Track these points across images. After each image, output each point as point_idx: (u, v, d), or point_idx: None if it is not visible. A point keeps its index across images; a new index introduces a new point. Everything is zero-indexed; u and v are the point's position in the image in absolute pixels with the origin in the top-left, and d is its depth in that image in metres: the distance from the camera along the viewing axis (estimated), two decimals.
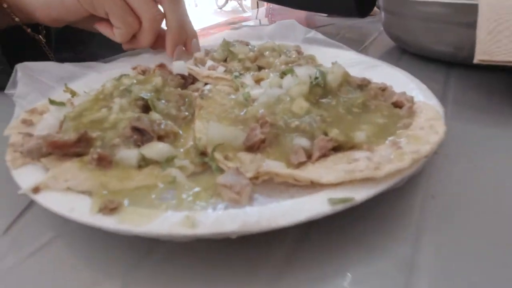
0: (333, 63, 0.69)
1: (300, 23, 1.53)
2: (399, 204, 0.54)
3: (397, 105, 0.67)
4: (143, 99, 0.64)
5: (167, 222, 0.40)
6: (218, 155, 0.53)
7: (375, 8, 1.95)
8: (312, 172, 0.48)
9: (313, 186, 0.47)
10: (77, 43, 1.29)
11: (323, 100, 0.63)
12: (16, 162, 0.52)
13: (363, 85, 0.67)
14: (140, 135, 0.56)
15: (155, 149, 0.54)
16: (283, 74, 0.80)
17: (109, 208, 0.42)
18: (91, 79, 0.88)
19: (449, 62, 1.10)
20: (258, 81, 0.78)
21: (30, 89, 0.78)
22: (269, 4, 2.70)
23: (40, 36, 1.08)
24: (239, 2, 11.00)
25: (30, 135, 0.59)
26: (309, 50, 1.15)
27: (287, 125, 0.58)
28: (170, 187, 0.49)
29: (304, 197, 0.44)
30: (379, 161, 0.47)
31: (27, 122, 0.64)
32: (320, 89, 0.64)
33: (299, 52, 1.11)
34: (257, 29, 1.30)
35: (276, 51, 0.99)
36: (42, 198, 0.45)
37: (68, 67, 0.92)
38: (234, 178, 0.48)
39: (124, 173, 0.51)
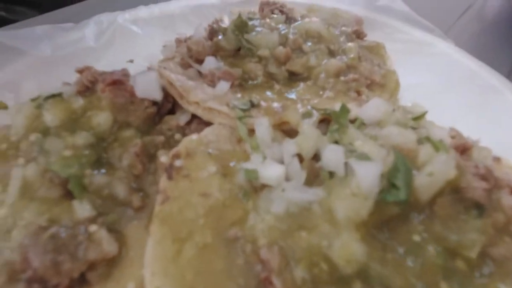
0: (437, 144, 0.34)
1: None
2: None
3: None
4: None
5: None
6: None
7: None
8: None
9: None
10: None
11: (395, 240, 0.32)
12: None
13: (484, 203, 0.33)
14: (39, 276, 0.30)
15: None
16: (326, 117, 0.45)
17: None
18: (27, 66, 0.58)
19: None
20: (280, 126, 0.45)
21: None
22: None
23: None
24: None
25: None
26: (376, 30, 0.73)
27: None
28: None
29: None
30: None
31: None
32: (395, 208, 0.32)
33: (359, 35, 0.70)
34: None
35: (323, 40, 0.60)
36: None
37: (4, 40, 0.61)
38: None
39: None
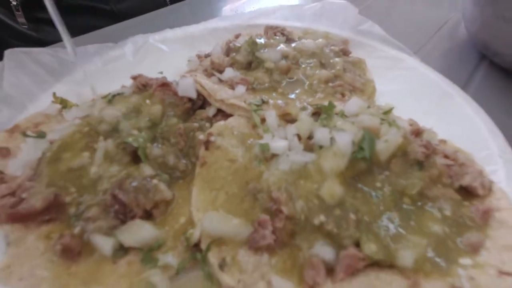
0: (391, 123, 0.50)
1: None
2: None
3: (467, 190, 0.49)
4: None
5: None
6: (212, 258, 0.42)
7: None
8: None
9: None
10: None
11: (364, 180, 0.47)
12: None
13: (424, 161, 0.48)
14: (123, 207, 0.45)
15: (136, 235, 0.43)
16: (318, 109, 0.62)
17: None
18: (88, 75, 0.74)
19: None
20: (284, 116, 0.61)
21: (15, 91, 0.66)
22: None
23: None
24: None
25: (1, 176, 0.50)
26: (360, 48, 0.91)
27: (308, 221, 0.43)
28: None
29: None
30: None
31: (2, 152, 0.54)
32: (363, 164, 0.47)
33: (345, 53, 0.87)
34: (297, 10, 1.03)
35: (316, 55, 0.77)
36: None
37: (64, 56, 0.78)
38: None
39: (94, 269, 0.41)
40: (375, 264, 0.42)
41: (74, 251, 0.41)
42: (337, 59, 0.78)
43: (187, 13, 1.26)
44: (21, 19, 1.31)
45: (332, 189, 0.44)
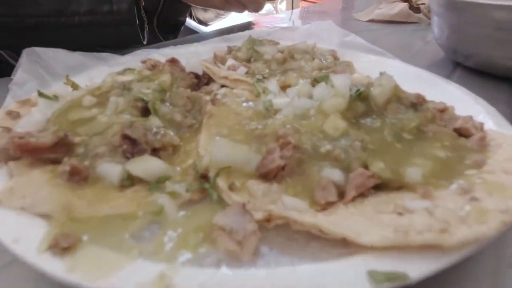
0: (381, 73, 0.55)
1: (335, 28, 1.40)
2: (469, 270, 0.39)
3: (461, 132, 0.51)
4: (144, 100, 0.53)
5: (133, 279, 0.28)
6: (221, 183, 0.41)
7: (420, 15, 1.76)
8: (345, 223, 0.35)
9: (344, 242, 0.34)
10: None
11: (365, 120, 0.49)
12: None
13: (417, 103, 0.52)
14: (131, 146, 0.45)
15: (145, 165, 0.43)
16: (315, 82, 0.67)
17: (62, 247, 0.31)
18: (99, 72, 0.79)
19: None
20: (284, 87, 0.65)
21: (30, 77, 0.70)
22: (303, 6, 2.58)
23: None
24: (274, 5, 10.96)
25: (8, 130, 0.51)
26: (346, 55, 1.01)
27: (315, 150, 0.44)
28: (154, 220, 0.38)
29: (331, 262, 0.31)
30: (446, 219, 0.33)
31: (12, 114, 0.55)
32: (362, 105, 0.50)
33: (334, 58, 0.97)
34: (289, 30, 1.17)
35: (308, 53, 0.86)
36: None
37: (78, 56, 0.84)
38: (237, 220, 0.35)
39: (101, 193, 0.40)
40: (384, 187, 0.42)
41: (82, 175, 0.40)
42: (328, 56, 0.87)
43: None
44: None
45: (336, 123, 0.46)
